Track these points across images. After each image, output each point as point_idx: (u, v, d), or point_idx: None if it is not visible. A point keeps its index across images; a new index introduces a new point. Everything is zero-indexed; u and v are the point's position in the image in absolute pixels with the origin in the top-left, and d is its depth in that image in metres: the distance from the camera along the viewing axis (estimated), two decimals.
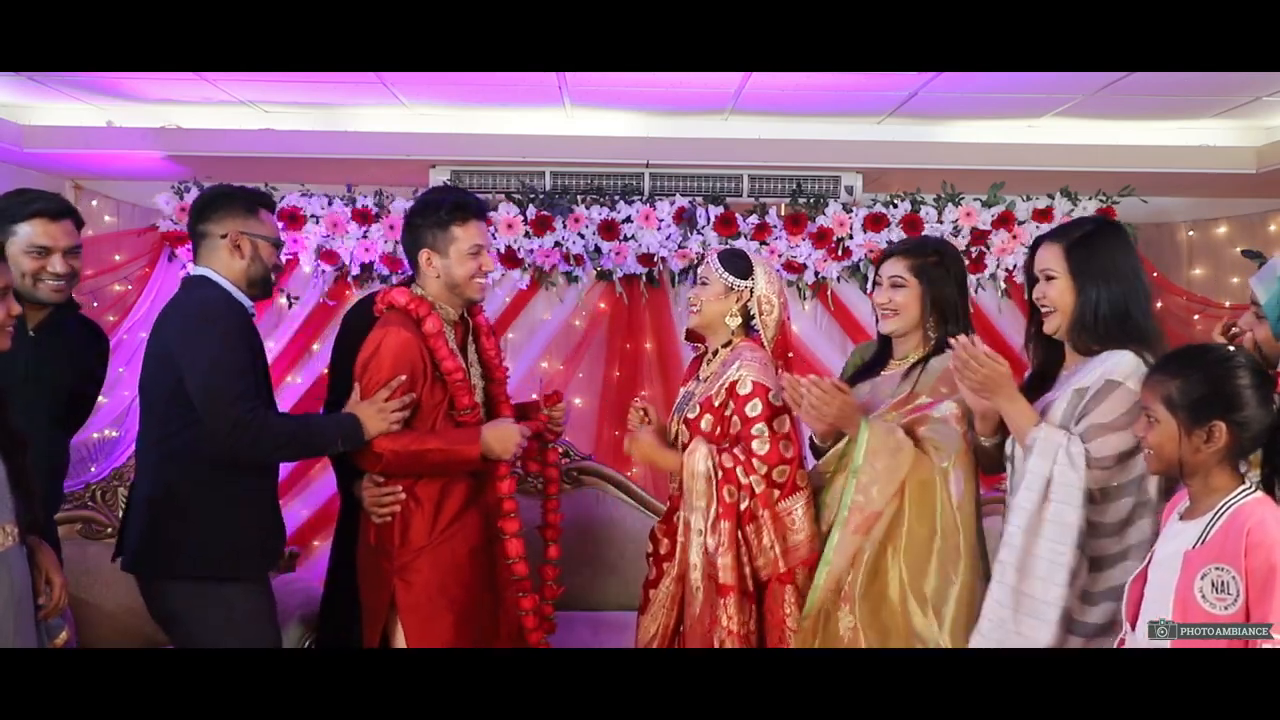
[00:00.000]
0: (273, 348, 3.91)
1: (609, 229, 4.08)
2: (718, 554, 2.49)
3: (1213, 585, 1.83)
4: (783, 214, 4.14)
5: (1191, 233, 4.70)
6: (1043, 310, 2.37)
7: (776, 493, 2.53)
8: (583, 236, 4.10)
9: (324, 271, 4.12)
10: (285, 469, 3.51)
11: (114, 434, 4.03)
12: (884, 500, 2.42)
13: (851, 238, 4.13)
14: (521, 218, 4.08)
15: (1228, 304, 4.21)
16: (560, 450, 3.50)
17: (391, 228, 4.03)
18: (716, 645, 2.48)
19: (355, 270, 4.11)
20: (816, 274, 4.18)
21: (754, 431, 2.54)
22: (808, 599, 2.48)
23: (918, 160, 4.07)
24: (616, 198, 4.12)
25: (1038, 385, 2.40)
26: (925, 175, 4.12)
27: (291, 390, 4.07)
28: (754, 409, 2.56)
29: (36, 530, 2.24)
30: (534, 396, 3.05)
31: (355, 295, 4.02)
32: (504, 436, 2.63)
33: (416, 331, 2.60)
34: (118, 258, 4.12)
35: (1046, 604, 2.13)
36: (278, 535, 2.76)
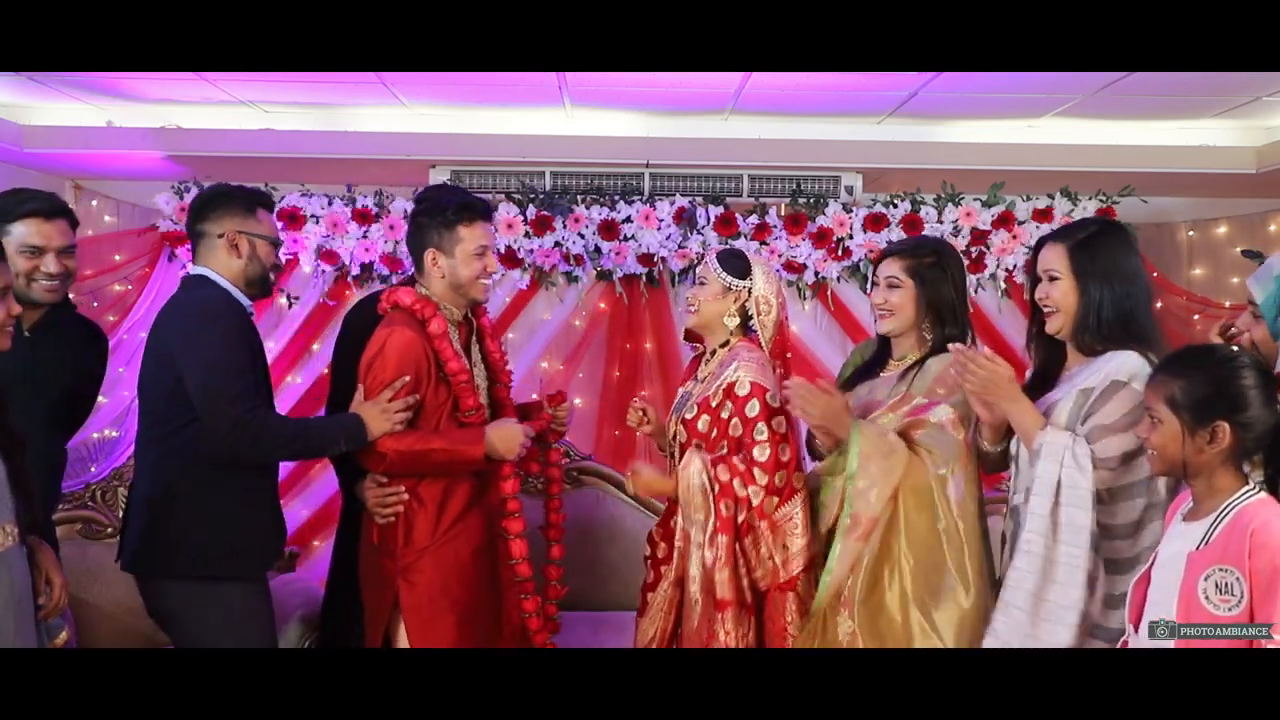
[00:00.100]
0: (273, 348, 3.91)
1: (609, 229, 4.08)
2: (715, 568, 2.48)
3: (1216, 586, 1.82)
4: (783, 214, 4.14)
5: (1191, 233, 4.70)
6: (1045, 310, 2.37)
7: (775, 499, 2.52)
8: (583, 236, 4.10)
9: (324, 271, 4.12)
10: (285, 469, 3.51)
11: (114, 434, 4.02)
12: (881, 504, 2.40)
13: (851, 238, 4.13)
14: (521, 218, 4.08)
15: (1228, 304, 4.20)
16: (561, 450, 3.50)
17: (391, 228, 4.04)
18: None
19: (355, 270, 4.11)
20: (816, 274, 4.18)
21: (755, 433, 2.54)
22: (812, 607, 2.46)
23: (918, 160, 4.07)
24: (616, 198, 4.12)
25: (1039, 385, 2.40)
26: (925, 175, 4.12)
27: (291, 390, 4.07)
28: (753, 409, 2.55)
29: (36, 530, 2.23)
30: (534, 397, 3.05)
31: (355, 295, 4.02)
32: (508, 436, 2.63)
33: (421, 331, 2.60)
34: (118, 258, 4.12)
35: (1065, 608, 2.13)
36: (278, 535, 2.76)
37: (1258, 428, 1.89)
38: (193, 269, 2.66)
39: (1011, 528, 2.37)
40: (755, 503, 2.50)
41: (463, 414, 2.64)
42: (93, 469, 3.91)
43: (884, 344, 2.72)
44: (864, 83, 3.44)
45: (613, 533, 3.80)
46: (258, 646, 2.57)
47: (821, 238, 4.12)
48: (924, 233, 4.03)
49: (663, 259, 4.13)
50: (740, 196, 4.16)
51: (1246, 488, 1.90)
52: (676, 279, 4.18)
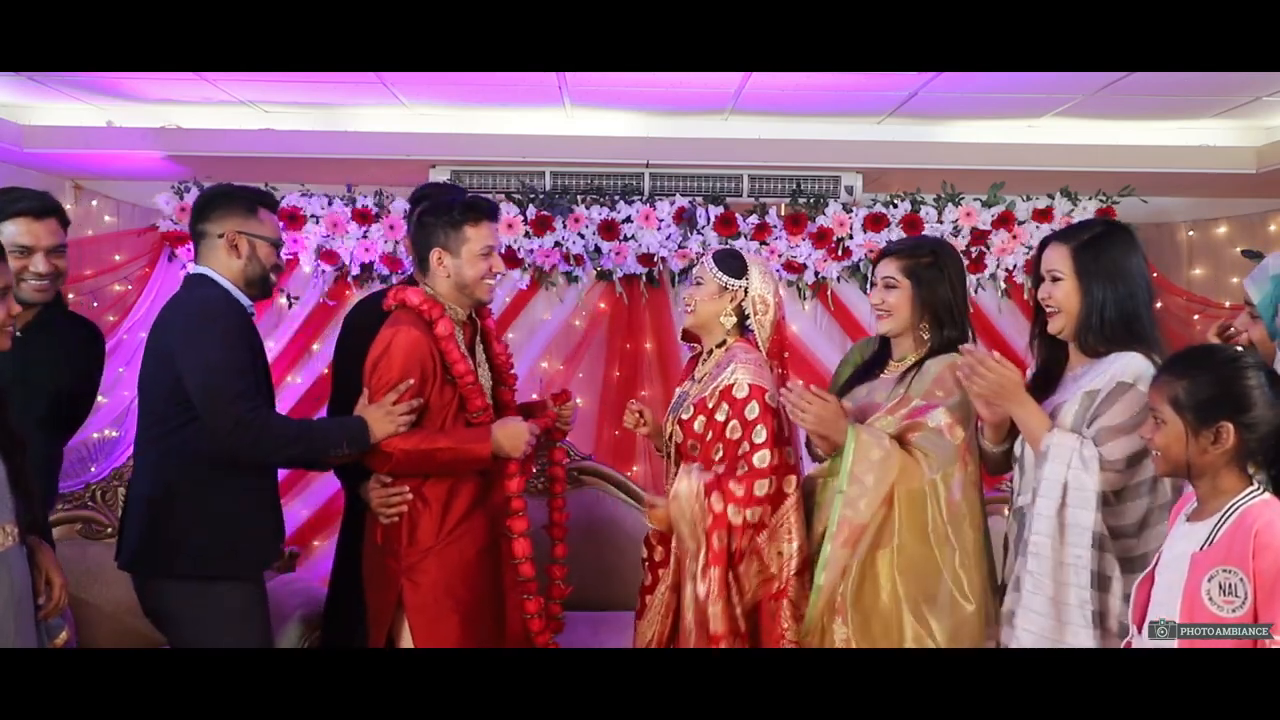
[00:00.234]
0: (273, 348, 3.90)
1: (609, 229, 4.08)
2: (708, 602, 2.45)
3: (1220, 588, 1.81)
4: (783, 214, 4.14)
5: (1191, 233, 4.70)
6: (1048, 311, 2.36)
7: (769, 508, 2.49)
8: (583, 236, 4.10)
9: (324, 271, 4.12)
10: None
11: (114, 434, 4.02)
12: (870, 512, 2.39)
13: (851, 238, 4.13)
14: (521, 218, 4.07)
15: (1227, 304, 4.20)
16: (563, 450, 3.50)
17: (391, 228, 4.04)
18: None
19: (355, 270, 4.11)
20: (816, 274, 4.18)
21: (754, 436, 2.52)
22: (806, 617, 2.44)
23: (918, 160, 4.06)
24: (616, 198, 4.12)
25: (1042, 385, 2.39)
26: (925, 175, 4.12)
27: (291, 390, 4.07)
28: (752, 411, 2.54)
29: (36, 530, 2.23)
30: (534, 397, 3.05)
31: (355, 295, 4.02)
32: (514, 434, 2.62)
33: (427, 331, 2.59)
34: (118, 258, 4.12)
35: (1075, 608, 2.13)
36: (277, 535, 2.76)
37: (1262, 428, 1.89)
38: (194, 268, 2.66)
39: (1015, 529, 2.36)
40: (753, 520, 2.48)
41: (470, 415, 2.64)
42: (93, 469, 3.91)
43: (884, 344, 2.71)
44: (864, 83, 3.43)
45: (613, 532, 3.80)
46: (253, 646, 2.56)
47: (821, 238, 4.12)
48: (924, 233, 4.04)
49: (663, 259, 4.13)
50: (740, 196, 4.16)
51: (1251, 488, 1.89)
52: (676, 279, 4.18)
